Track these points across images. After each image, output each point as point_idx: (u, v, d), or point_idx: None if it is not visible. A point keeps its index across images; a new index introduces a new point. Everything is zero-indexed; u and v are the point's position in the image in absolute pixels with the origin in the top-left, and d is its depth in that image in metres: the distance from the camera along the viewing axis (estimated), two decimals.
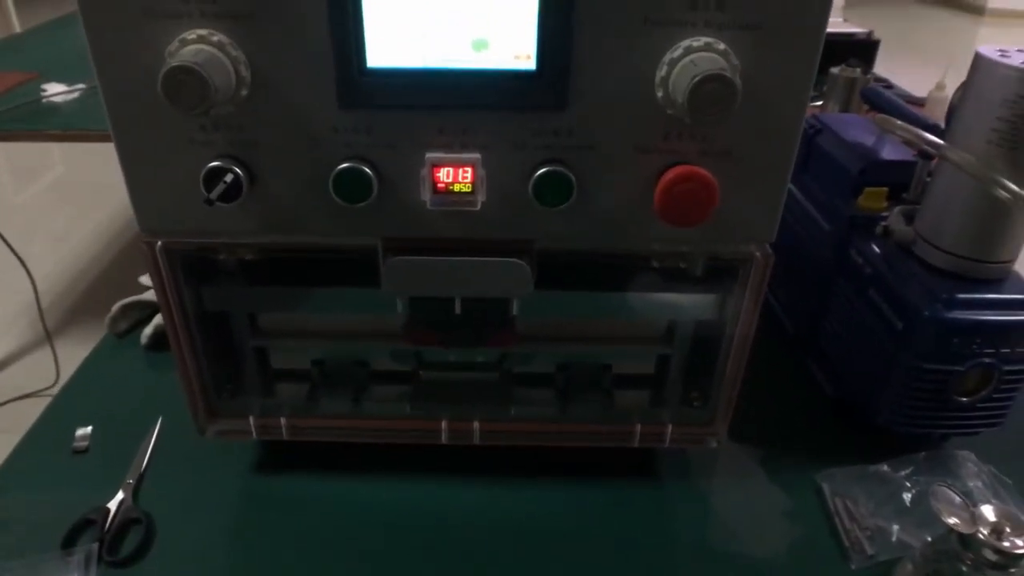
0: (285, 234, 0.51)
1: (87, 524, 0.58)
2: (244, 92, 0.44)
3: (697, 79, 0.41)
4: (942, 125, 0.68)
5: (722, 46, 0.43)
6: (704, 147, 0.47)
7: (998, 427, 0.64)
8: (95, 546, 0.56)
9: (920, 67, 1.88)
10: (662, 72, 0.44)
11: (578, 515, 0.61)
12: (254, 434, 0.61)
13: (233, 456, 0.65)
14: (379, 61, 0.44)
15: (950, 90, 1.29)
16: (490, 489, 0.63)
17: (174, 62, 0.40)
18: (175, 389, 0.67)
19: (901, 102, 0.73)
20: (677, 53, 0.43)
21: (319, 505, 0.61)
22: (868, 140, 0.73)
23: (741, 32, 0.43)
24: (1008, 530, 0.49)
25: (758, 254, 0.52)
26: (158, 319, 0.78)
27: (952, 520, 0.47)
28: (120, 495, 0.61)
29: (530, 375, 0.64)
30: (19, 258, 1.56)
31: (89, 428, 0.68)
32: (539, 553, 0.58)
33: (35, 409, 0.71)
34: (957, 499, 0.50)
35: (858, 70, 1.10)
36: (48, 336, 1.76)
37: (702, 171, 0.46)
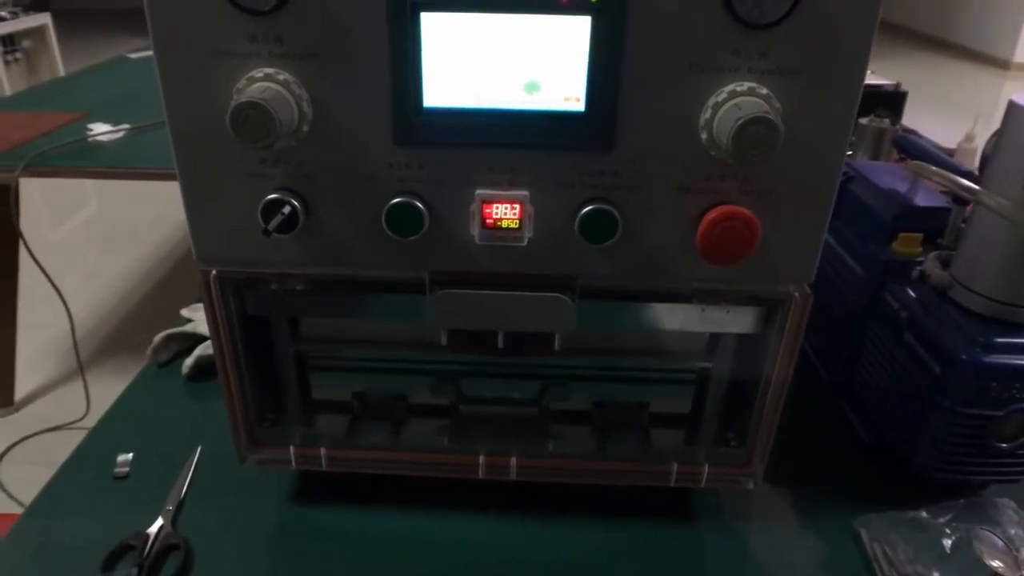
0: (337, 266, 0.53)
1: (126, 549, 0.59)
2: (305, 128, 0.46)
3: (741, 121, 0.42)
4: (976, 171, 0.69)
5: (764, 91, 0.44)
6: (745, 187, 0.48)
7: None
8: (134, 571, 0.57)
9: (947, 119, 1.90)
10: (706, 115, 0.45)
11: (610, 553, 0.61)
12: (293, 464, 0.62)
13: (271, 486, 0.66)
14: (435, 101, 0.46)
15: (979, 142, 1.31)
16: (524, 525, 0.63)
17: (243, 98, 0.43)
18: (215, 418, 0.69)
19: (934, 149, 0.74)
20: (721, 97, 0.45)
21: (355, 536, 0.62)
22: (901, 187, 0.74)
23: (783, 78, 0.45)
24: None
25: (797, 294, 0.52)
26: (199, 350, 0.80)
27: (996, 564, 0.47)
28: (159, 521, 0.62)
29: (567, 412, 0.65)
30: (58, 291, 1.60)
31: (130, 455, 0.69)
32: None
33: (63, 441, 0.73)
34: (1000, 543, 0.49)
35: (887, 120, 1.11)
36: (81, 369, 1.79)
37: (743, 210, 0.47)
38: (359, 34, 0.44)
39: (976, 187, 0.57)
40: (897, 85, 1.53)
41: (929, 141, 1.41)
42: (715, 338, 0.61)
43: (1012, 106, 0.56)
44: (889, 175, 0.78)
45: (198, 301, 0.89)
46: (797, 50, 0.44)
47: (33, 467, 1.65)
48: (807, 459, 0.72)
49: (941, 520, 0.63)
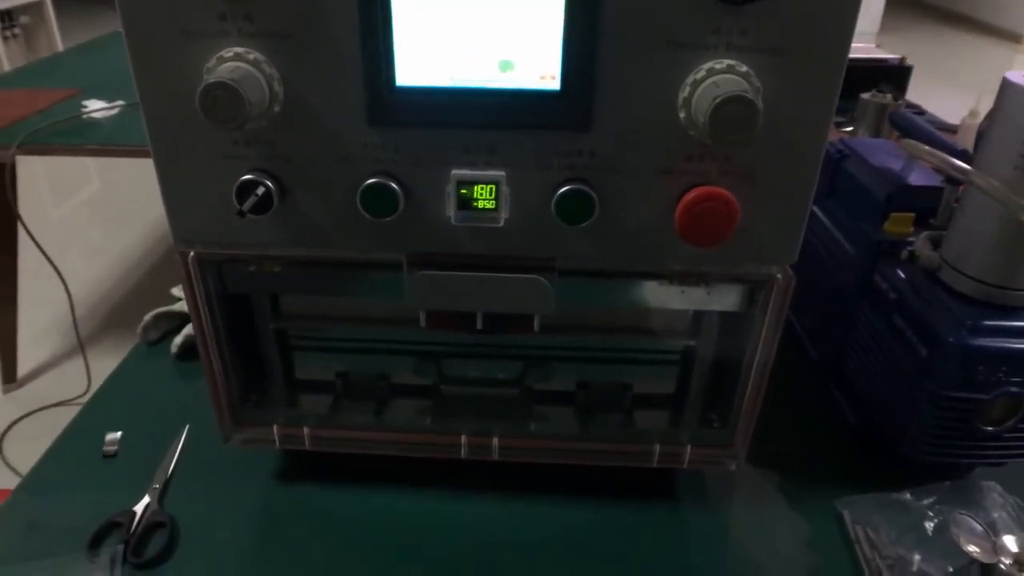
0: (313, 247, 0.52)
1: (113, 526, 0.60)
2: (277, 108, 0.46)
3: (719, 100, 0.41)
4: (972, 151, 0.67)
5: (744, 68, 0.43)
6: (725, 168, 0.47)
7: None
8: (120, 548, 0.57)
9: (954, 94, 1.86)
10: (684, 93, 0.44)
11: (593, 533, 0.61)
12: (277, 443, 0.62)
13: (256, 465, 0.67)
14: (408, 80, 0.45)
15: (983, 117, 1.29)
16: (507, 504, 0.63)
17: (211, 78, 0.42)
18: (202, 398, 0.69)
19: (929, 127, 0.72)
20: (700, 75, 0.44)
21: (339, 516, 0.62)
22: (895, 165, 0.73)
23: (763, 55, 0.44)
24: None
25: (779, 276, 0.52)
26: (188, 329, 0.80)
27: (972, 549, 0.47)
28: (146, 499, 0.62)
29: (550, 392, 0.65)
30: (56, 269, 1.60)
31: (119, 433, 0.69)
32: (553, 571, 0.58)
33: (66, 417, 0.73)
34: (978, 528, 0.49)
35: (889, 96, 1.10)
36: (81, 346, 1.80)
37: (722, 191, 0.46)
38: (329, 12, 0.44)
39: (967, 167, 0.56)
40: (902, 60, 1.50)
41: (932, 117, 1.40)
42: (698, 317, 0.61)
43: (1006, 84, 0.54)
44: (884, 153, 0.76)
45: None
46: (778, 27, 0.43)
47: (36, 442, 1.66)
48: (792, 439, 0.72)
49: (925, 502, 0.63)
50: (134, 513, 0.61)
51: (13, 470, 1.61)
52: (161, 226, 2.71)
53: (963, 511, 0.51)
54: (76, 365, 1.88)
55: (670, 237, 0.49)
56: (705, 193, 0.46)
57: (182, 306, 0.84)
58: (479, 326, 0.55)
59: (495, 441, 0.61)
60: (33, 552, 0.57)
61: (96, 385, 1.80)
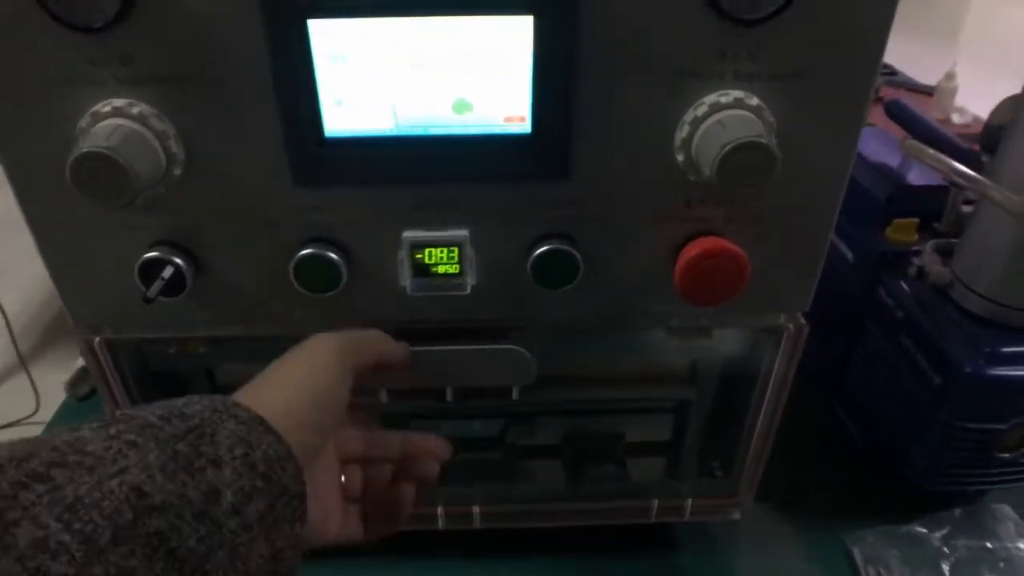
0: (243, 327, 0.43)
1: None
2: (177, 171, 0.36)
3: (728, 148, 0.34)
4: (976, 148, 0.61)
5: (755, 101, 0.36)
6: (731, 214, 0.40)
7: None
8: None
9: (928, 49, 1.78)
10: (683, 133, 0.36)
11: None
12: None
13: None
14: (339, 127, 0.36)
15: (960, 79, 1.23)
16: (495, 570, 0.57)
17: (84, 147, 0.32)
18: None
19: (931, 122, 0.65)
20: (701, 111, 0.36)
21: None
22: (892, 160, 0.66)
23: (776, 83, 0.36)
24: None
25: (790, 326, 0.45)
26: None
27: None
28: None
29: (535, 448, 0.57)
30: None
31: None
32: None
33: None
34: None
35: None
36: (23, 363, 1.66)
37: (730, 245, 0.39)
38: (231, 49, 0.34)
39: (983, 180, 0.50)
40: None
41: (905, 78, 1.33)
42: (696, 363, 0.54)
43: None
44: (878, 143, 0.69)
45: None
46: (794, 48, 0.35)
47: None
48: (797, 463, 0.66)
49: (938, 534, 0.58)
50: None
51: None
52: None
53: (995, 568, 0.46)
54: (20, 383, 1.74)
55: (667, 292, 0.41)
56: (709, 249, 0.38)
57: None
58: (449, 397, 0.47)
59: (476, 509, 0.53)
60: None
61: (46, 402, 1.67)
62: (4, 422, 1.65)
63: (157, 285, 0.38)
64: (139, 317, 0.42)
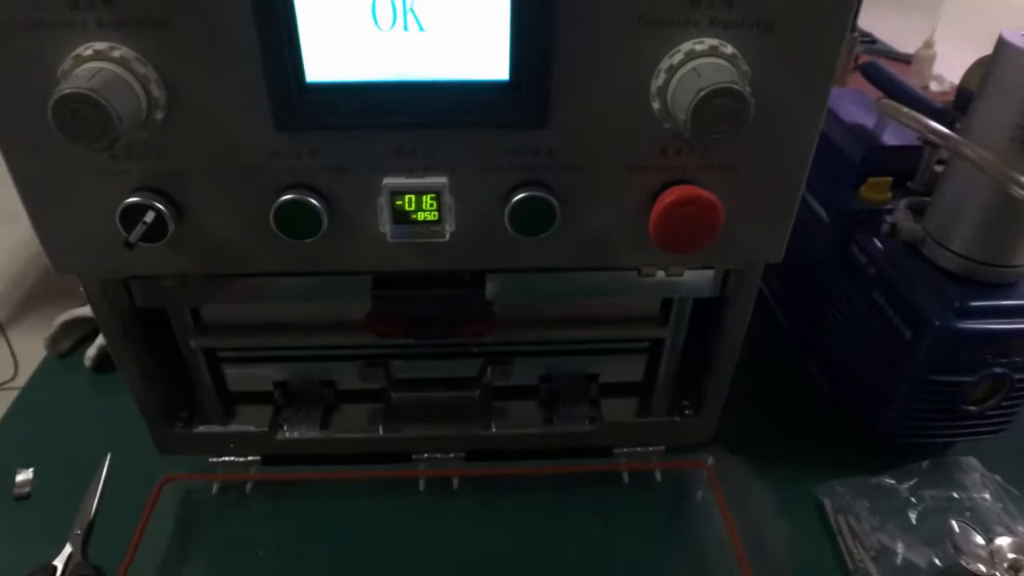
0: (224, 269, 0.44)
1: None
2: (159, 115, 0.37)
3: (703, 93, 0.34)
4: (951, 106, 0.62)
5: (729, 49, 0.36)
6: (706, 162, 0.40)
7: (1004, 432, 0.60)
8: None
9: (906, 17, 1.79)
10: (659, 81, 0.37)
11: (564, 534, 0.57)
12: (215, 489, 0.55)
13: (193, 495, 0.59)
14: (320, 74, 0.37)
15: (939, 47, 1.24)
16: (470, 515, 0.58)
17: (65, 88, 0.33)
18: (125, 418, 0.61)
19: (906, 82, 0.67)
20: (677, 59, 0.36)
21: (288, 548, 0.56)
22: (867, 120, 0.67)
23: (752, 32, 0.37)
24: None
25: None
26: (102, 338, 0.71)
27: (978, 566, 0.44)
28: (68, 548, 0.55)
29: (511, 388, 0.58)
30: None
31: (30, 471, 0.61)
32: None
33: None
34: (977, 538, 0.46)
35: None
36: (1, 328, 1.66)
37: (704, 193, 0.39)
38: None
39: (956, 137, 0.51)
40: None
41: (884, 46, 1.34)
42: (668, 302, 0.55)
43: (1002, 44, 0.48)
44: (853, 104, 0.70)
45: None
46: None
47: None
48: (767, 417, 0.68)
49: (906, 485, 0.60)
50: (54, 568, 0.53)
51: None
52: None
53: (960, 514, 0.47)
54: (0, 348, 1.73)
55: (643, 240, 0.42)
56: (684, 196, 0.39)
57: None
58: (429, 331, 0.48)
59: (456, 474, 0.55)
60: None
61: (24, 367, 1.66)
62: None
63: (139, 230, 0.39)
64: (120, 263, 0.42)
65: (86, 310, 0.74)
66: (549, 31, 0.36)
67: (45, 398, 0.69)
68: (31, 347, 1.68)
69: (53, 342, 0.73)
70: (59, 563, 0.54)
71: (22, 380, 1.60)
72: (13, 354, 1.68)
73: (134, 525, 0.56)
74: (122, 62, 0.35)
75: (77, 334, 0.75)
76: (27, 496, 0.60)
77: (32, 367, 0.72)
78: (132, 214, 0.39)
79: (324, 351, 0.58)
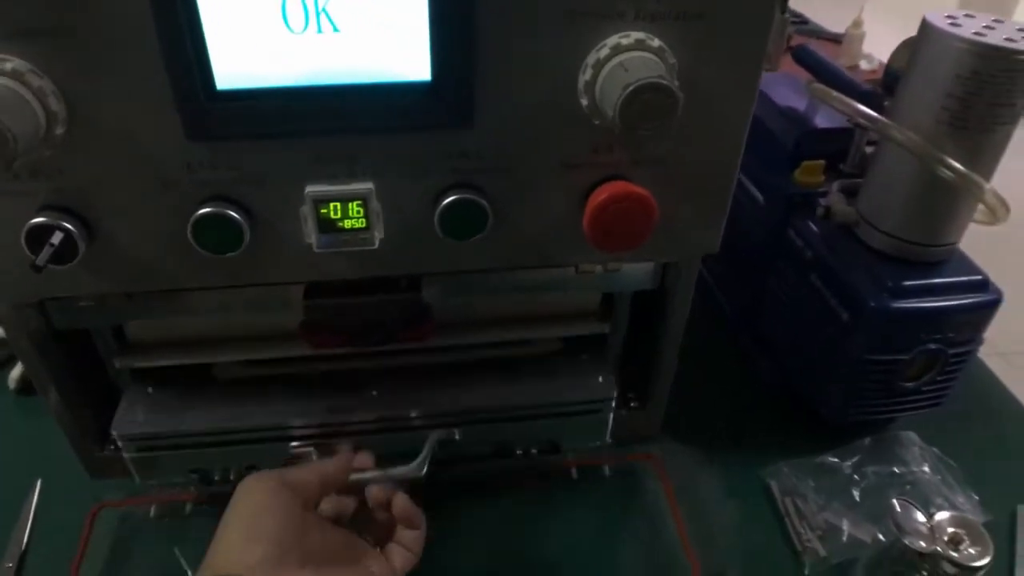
0: (143, 287, 0.42)
1: None
2: (60, 130, 0.34)
3: (630, 89, 0.34)
4: (878, 89, 0.63)
5: (656, 42, 0.36)
6: (638, 157, 0.40)
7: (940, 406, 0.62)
8: None
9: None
10: (586, 76, 0.36)
11: (512, 533, 0.56)
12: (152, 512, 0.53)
13: (132, 518, 0.57)
14: (231, 81, 0.35)
15: (868, 26, 1.26)
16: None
17: None
18: (54, 441, 0.58)
19: (835, 65, 0.67)
20: (603, 53, 0.36)
21: None
22: (800, 104, 0.68)
23: (679, 23, 0.36)
24: (966, 540, 0.47)
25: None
26: None
27: (919, 543, 0.45)
28: None
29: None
30: None
31: None
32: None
33: None
34: (918, 516, 0.47)
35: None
36: None
37: (637, 189, 0.39)
38: None
39: (884, 120, 0.52)
40: None
41: (816, 26, 1.36)
42: (607, 297, 0.55)
43: (926, 27, 0.49)
44: (786, 88, 0.71)
45: None
46: None
47: None
48: (711, 403, 0.68)
49: (849, 463, 0.62)
50: None
51: None
52: None
53: (902, 497, 0.48)
54: None
55: (578, 237, 0.41)
56: (616, 193, 0.39)
57: None
58: (368, 338, 0.47)
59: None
60: None
61: None
62: None
63: (46, 252, 0.36)
64: (31, 287, 0.40)
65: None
66: (470, 28, 0.35)
67: None
68: None
69: None
70: None
71: None
72: None
73: (69, 555, 0.53)
74: (14, 75, 0.32)
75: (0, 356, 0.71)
76: None
77: None
78: (38, 236, 0.37)
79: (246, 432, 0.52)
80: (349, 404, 0.52)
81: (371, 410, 0.52)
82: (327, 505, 0.46)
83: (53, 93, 0.34)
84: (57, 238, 0.36)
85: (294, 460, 0.51)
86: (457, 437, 0.53)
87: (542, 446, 0.55)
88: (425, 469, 0.48)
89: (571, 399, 0.53)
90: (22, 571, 0.54)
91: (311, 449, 0.51)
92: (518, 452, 0.55)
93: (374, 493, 0.46)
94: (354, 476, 0.47)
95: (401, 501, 0.46)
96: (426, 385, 0.53)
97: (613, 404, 0.54)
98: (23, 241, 0.37)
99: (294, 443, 0.51)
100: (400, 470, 0.48)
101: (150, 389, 0.53)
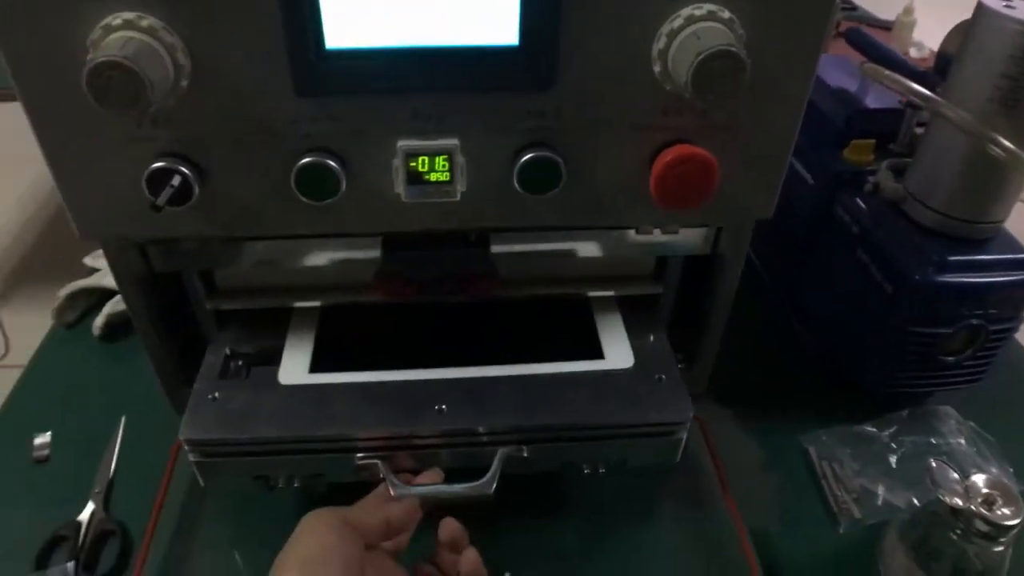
0: (245, 232, 0.46)
1: (59, 541, 0.55)
2: (184, 83, 0.38)
3: (703, 56, 0.37)
4: (931, 71, 0.65)
5: (727, 14, 0.39)
6: (704, 122, 0.43)
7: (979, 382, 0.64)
8: (71, 565, 0.53)
9: None
10: (660, 44, 0.39)
11: (552, 487, 0.59)
12: None
13: None
14: (339, 41, 0.39)
15: (918, 14, 1.27)
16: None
17: (99, 57, 0.34)
18: (136, 382, 0.64)
19: (887, 47, 0.69)
20: (677, 23, 0.39)
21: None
22: (851, 85, 0.70)
23: None
24: (1000, 501, 0.49)
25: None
26: (109, 307, 0.72)
27: (954, 500, 0.47)
28: (90, 506, 0.57)
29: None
30: None
31: (48, 434, 0.63)
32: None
33: None
34: (953, 475, 0.49)
35: None
36: None
37: (702, 152, 0.42)
38: None
39: (936, 98, 0.53)
40: None
41: (865, 13, 1.36)
42: (662, 259, 0.58)
43: (981, 9, 0.51)
44: (837, 70, 0.73)
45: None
46: None
47: None
48: (755, 372, 0.71)
49: (887, 432, 0.64)
50: (79, 524, 0.56)
51: None
52: None
53: (938, 456, 0.51)
54: None
55: (643, 197, 0.44)
56: (683, 155, 0.42)
57: (98, 279, 0.76)
58: (437, 289, 0.51)
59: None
60: None
61: (16, 344, 1.66)
62: None
63: (166, 193, 0.40)
64: (143, 226, 0.44)
65: (90, 281, 0.76)
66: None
67: (56, 366, 0.71)
68: (21, 324, 1.68)
69: (60, 312, 0.75)
70: (83, 519, 0.56)
71: (14, 356, 1.62)
72: (3, 332, 1.68)
73: (152, 484, 0.58)
74: (150, 31, 0.36)
75: (82, 305, 0.76)
76: (46, 459, 0.62)
77: (22, 344, 0.73)
78: (159, 178, 0.41)
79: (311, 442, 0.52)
80: (416, 417, 0.51)
81: (439, 424, 0.51)
82: (389, 544, 0.45)
83: (181, 49, 0.38)
84: (176, 180, 0.40)
85: (361, 470, 0.51)
86: (526, 455, 0.51)
87: (610, 465, 0.53)
88: (494, 487, 0.48)
89: (649, 420, 0.52)
90: (111, 496, 0.59)
91: (376, 461, 0.50)
92: (586, 471, 0.53)
93: (448, 530, 0.45)
94: (420, 490, 0.47)
95: (472, 557, 0.44)
96: (497, 399, 0.52)
97: (688, 425, 0.53)
98: (144, 183, 0.41)
99: (360, 455, 0.51)
100: (468, 487, 0.48)
101: (217, 395, 0.53)
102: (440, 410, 0.51)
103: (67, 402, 0.67)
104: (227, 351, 0.57)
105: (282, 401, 0.52)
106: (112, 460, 0.61)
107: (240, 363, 0.57)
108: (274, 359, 0.56)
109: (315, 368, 0.55)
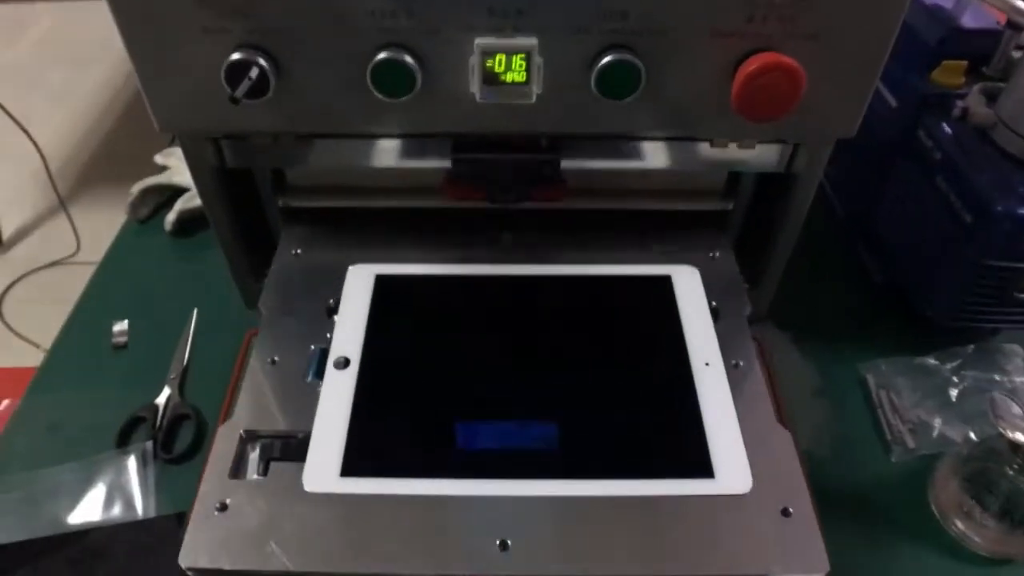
0: (319, 128, 0.47)
1: (138, 422, 0.58)
2: None
3: None
4: None
5: None
6: (791, 30, 0.41)
7: None
8: (149, 444, 0.56)
9: None
10: None
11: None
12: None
13: None
14: None
15: None
16: None
17: None
18: (207, 277, 0.66)
19: None
20: None
21: None
22: (947, 1, 0.65)
23: None
24: None
25: None
26: (180, 203, 0.75)
27: (1015, 435, 0.46)
28: (167, 391, 0.61)
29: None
30: (18, 123, 1.49)
31: (125, 322, 0.66)
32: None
33: (60, 277, 0.69)
34: (1016, 409, 0.49)
35: None
36: (63, 203, 1.72)
37: (788, 60, 0.40)
38: None
39: None
40: None
41: None
42: (733, 175, 0.57)
43: None
44: None
45: (172, 144, 0.82)
46: None
47: (36, 304, 1.64)
48: (817, 297, 0.70)
49: (949, 366, 0.63)
50: (157, 406, 0.59)
51: (18, 334, 1.59)
52: (127, 63, 2.51)
53: (1001, 392, 0.50)
54: (60, 223, 1.80)
55: (723, 107, 0.43)
56: (768, 63, 0.40)
57: (169, 176, 0.78)
58: (504, 194, 0.51)
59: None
60: (60, 453, 0.56)
61: (85, 243, 1.73)
62: (48, 261, 1.74)
63: (244, 85, 0.41)
64: (220, 119, 0.45)
65: (161, 178, 0.78)
66: None
67: (130, 259, 0.74)
68: (90, 222, 1.75)
69: (134, 208, 0.77)
70: (160, 402, 0.60)
71: (85, 254, 1.69)
72: (75, 229, 1.76)
73: (224, 371, 0.61)
74: None
75: (154, 201, 0.79)
76: (124, 345, 0.65)
77: (91, 242, 0.76)
78: (237, 70, 0.41)
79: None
80: (476, 556, 0.39)
81: (505, 567, 0.38)
82: None
83: None
84: (254, 72, 0.41)
85: None
86: None
87: None
88: None
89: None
90: (185, 382, 0.62)
91: None
92: None
93: None
94: None
95: None
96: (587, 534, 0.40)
97: None
98: (223, 75, 0.41)
99: None
100: None
101: (227, 501, 0.41)
102: (504, 544, 0.39)
103: (143, 293, 0.70)
104: (242, 432, 0.44)
105: (307, 516, 0.40)
106: (186, 348, 0.64)
107: (256, 451, 0.45)
108: (298, 449, 0.44)
109: (348, 469, 0.42)
